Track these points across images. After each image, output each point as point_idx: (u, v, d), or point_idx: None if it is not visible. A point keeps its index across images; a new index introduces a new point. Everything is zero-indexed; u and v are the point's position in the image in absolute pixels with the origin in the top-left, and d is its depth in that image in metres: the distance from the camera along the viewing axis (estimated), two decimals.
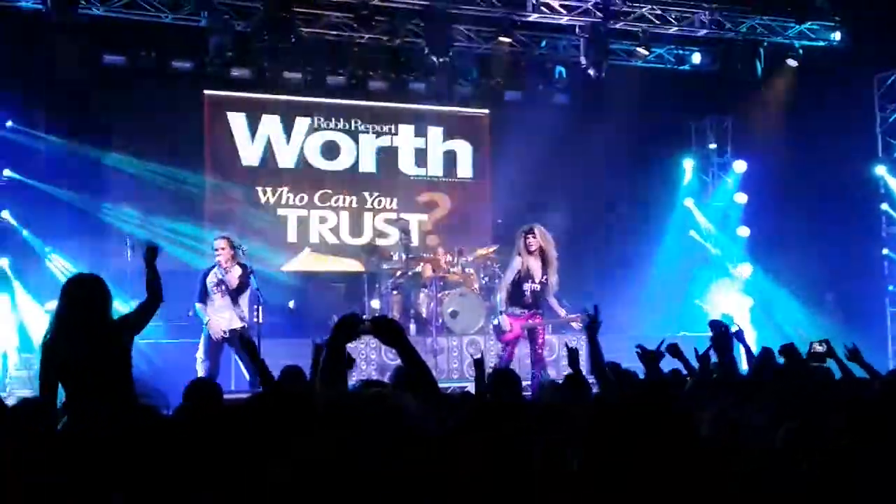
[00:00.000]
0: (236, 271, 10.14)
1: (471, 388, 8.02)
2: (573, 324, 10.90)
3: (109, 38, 13.43)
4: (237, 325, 10.04)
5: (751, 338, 14.14)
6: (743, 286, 15.85)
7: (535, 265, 10.24)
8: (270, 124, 14.87)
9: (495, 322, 10.45)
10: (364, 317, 4.03)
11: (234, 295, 10.09)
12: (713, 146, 16.60)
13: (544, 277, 10.24)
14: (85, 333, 5.61)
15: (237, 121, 14.69)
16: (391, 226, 14.90)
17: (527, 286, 10.21)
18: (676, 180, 16.44)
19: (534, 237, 10.26)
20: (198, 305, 10.19)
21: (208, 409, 4.83)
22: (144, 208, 13.00)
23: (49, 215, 12.58)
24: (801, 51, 15.01)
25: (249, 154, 14.71)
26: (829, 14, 14.71)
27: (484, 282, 13.43)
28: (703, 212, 16.46)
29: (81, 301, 5.69)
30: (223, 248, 10.16)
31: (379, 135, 15.45)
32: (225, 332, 9.97)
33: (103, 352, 5.62)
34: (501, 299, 10.31)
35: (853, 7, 14.51)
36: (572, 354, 6.32)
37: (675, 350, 6.55)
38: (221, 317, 10.05)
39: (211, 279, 10.13)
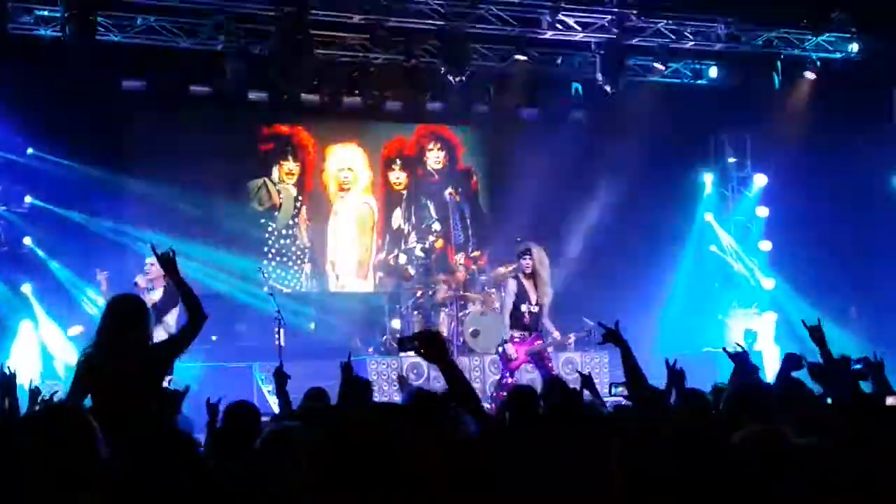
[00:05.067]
0: (163, 290, 9.70)
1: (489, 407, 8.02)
2: (568, 343, 10.90)
3: (128, 63, 13.56)
4: None
5: (774, 354, 14.10)
6: (766, 301, 15.73)
7: (530, 286, 10.23)
8: (290, 146, 14.90)
9: (500, 350, 10.37)
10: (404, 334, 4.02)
11: (156, 313, 9.36)
12: (732, 160, 16.49)
13: (539, 299, 10.18)
14: (125, 351, 5.64)
15: (258, 143, 14.73)
16: (410, 245, 14.88)
17: (524, 308, 10.22)
18: (696, 195, 16.35)
19: (530, 258, 10.24)
20: None
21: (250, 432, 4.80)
22: (166, 232, 13.01)
23: (71, 241, 12.64)
24: (818, 63, 14.96)
25: (271, 175, 14.74)
26: (846, 26, 14.63)
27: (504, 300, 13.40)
28: (723, 226, 16.37)
29: (124, 319, 5.72)
30: (153, 265, 9.57)
31: (397, 154, 15.43)
32: None
33: (140, 371, 5.63)
34: (505, 325, 10.24)
35: (870, 18, 14.44)
36: (587, 380, 6.45)
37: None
38: None
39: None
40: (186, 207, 13.35)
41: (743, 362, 6.49)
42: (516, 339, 10.15)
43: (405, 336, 3.94)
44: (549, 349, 10.49)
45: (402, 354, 11.96)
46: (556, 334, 10.58)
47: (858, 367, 5.79)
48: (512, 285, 10.30)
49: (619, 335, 5.35)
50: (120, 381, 5.53)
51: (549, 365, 10.23)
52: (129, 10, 12.80)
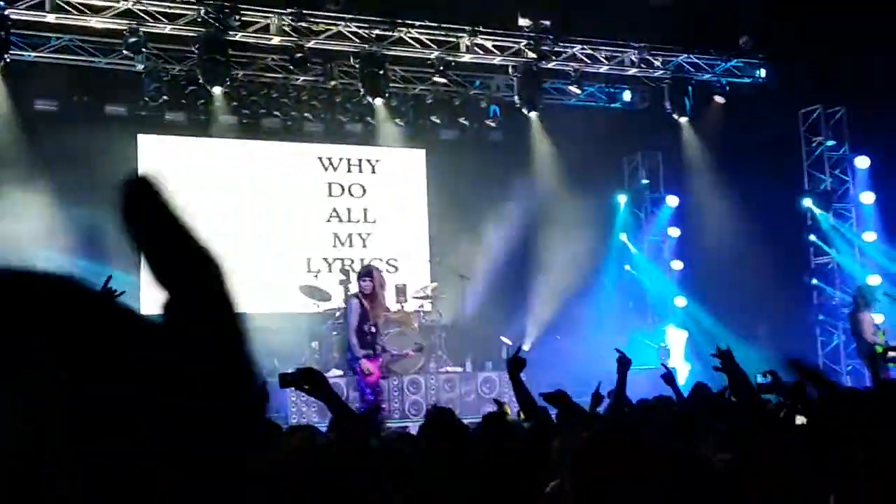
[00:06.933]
0: None
1: (412, 428, 8.10)
2: (407, 355, 11.84)
3: (42, 82, 13.36)
4: None
5: (685, 370, 14.45)
6: (678, 319, 16.08)
7: (370, 307, 10.74)
8: (205, 166, 14.75)
9: (356, 367, 10.73)
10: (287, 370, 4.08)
11: None
12: (646, 181, 16.90)
13: (376, 318, 10.70)
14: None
15: (171, 163, 14.56)
16: (330, 266, 14.89)
17: (367, 327, 10.72)
18: (611, 216, 16.70)
19: (370, 280, 10.76)
20: None
21: None
22: (79, 255, 12.80)
23: None
24: (728, 87, 15.42)
25: (184, 196, 14.52)
26: (754, 52, 15.12)
27: (423, 320, 13.46)
28: (637, 246, 16.73)
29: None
30: None
31: (316, 174, 15.39)
32: None
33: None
34: (354, 344, 10.60)
35: (777, 45, 14.93)
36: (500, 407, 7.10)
37: (667, 379, 6.74)
38: None
39: None
40: (103, 231, 13.08)
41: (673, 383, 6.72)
42: (371, 356, 10.62)
43: (285, 373, 4.07)
44: (391, 366, 11.11)
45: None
46: (394, 349, 11.54)
47: (765, 381, 5.93)
48: (355, 305, 10.79)
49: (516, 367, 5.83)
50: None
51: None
52: (44, 28, 12.63)
